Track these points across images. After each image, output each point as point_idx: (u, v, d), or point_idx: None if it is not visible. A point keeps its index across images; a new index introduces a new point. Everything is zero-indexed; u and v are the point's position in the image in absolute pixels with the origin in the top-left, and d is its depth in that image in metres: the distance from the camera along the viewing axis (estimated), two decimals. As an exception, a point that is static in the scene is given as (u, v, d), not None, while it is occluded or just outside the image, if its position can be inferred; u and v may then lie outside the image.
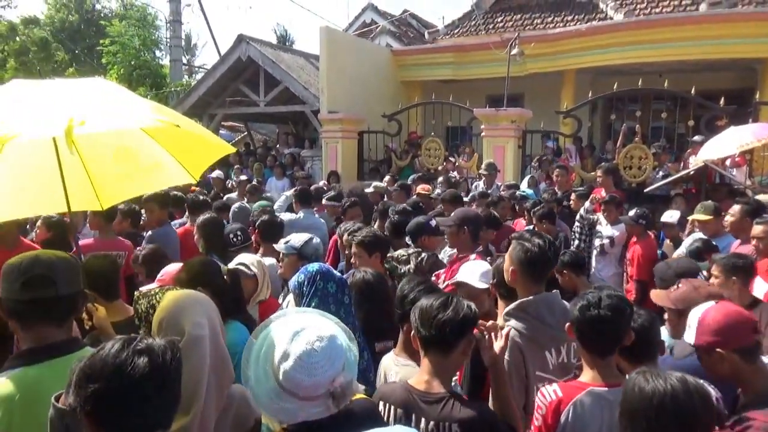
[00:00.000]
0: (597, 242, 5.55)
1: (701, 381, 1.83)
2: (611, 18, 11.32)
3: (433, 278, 3.52)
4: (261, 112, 12.81)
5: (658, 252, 5.26)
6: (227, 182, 9.54)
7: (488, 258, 4.23)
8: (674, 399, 1.49)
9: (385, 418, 1.81)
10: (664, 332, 2.55)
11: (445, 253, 4.31)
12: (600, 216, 5.59)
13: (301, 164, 11.42)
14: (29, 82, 2.62)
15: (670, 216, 5.34)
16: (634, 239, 5.22)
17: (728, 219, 4.31)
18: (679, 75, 9.61)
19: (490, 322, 2.03)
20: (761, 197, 5.07)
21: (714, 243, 4.16)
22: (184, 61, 22.85)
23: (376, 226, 4.76)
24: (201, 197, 5.43)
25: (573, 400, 1.92)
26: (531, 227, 5.28)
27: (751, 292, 3.46)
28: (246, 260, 3.22)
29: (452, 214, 4.15)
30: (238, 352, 1.74)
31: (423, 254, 3.81)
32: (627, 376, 1.67)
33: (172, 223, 5.07)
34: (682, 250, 4.37)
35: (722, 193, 6.23)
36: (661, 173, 7.44)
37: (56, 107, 2.21)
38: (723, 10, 9.85)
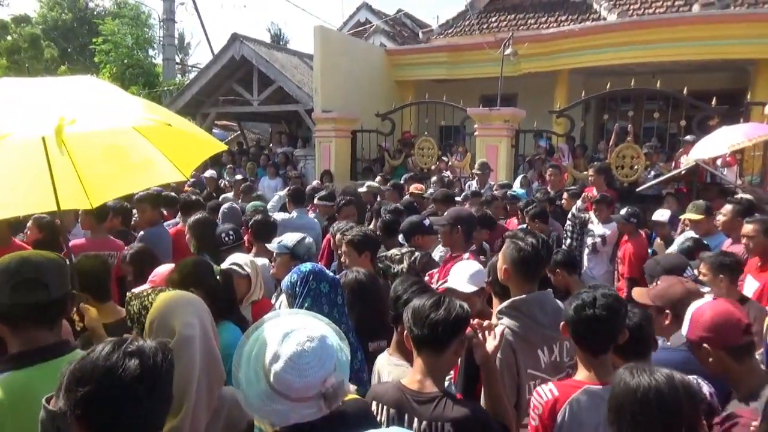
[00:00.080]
0: (589, 241, 5.58)
1: (691, 377, 1.87)
2: (604, 18, 11.36)
3: (427, 278, 3.52)
4: (254, 111, 12.77)
5: (649, 251, 5.30)
6: (220, 182, 9.51)
7: (482, 256, 4.25)
8: (658, 393, 1.51)
9: (378, 418, 1.81)
10: None
11: (438, 252, 4.32)
12: (591, 215, 5.62)
13: (294, 163, 11.39)
14: (20, 81, 2.60)
15: (661, 215, 5.39)
16: (626, 238, 5.26)
17: (720, 218, 4.35)
18: (672, 75, 9.66)
19: (486, 322, 2.04)
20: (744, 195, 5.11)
21: (705, 242, 4.19)
22: (178, 59, 22.73)
23: (371, 226, 4.76)
24: (194, 197, 5.40)
25: (569, 399, 1.93)
26: (524, 226, 5.30)
27: (741, 290, 3.50)
28: (239, 260, 3.21)
29: (445, 213, 4.16)
30: (232, 353, 1.74)
31: (416, 253, 3.81)
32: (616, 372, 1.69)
33: (165, 223, 5.04)
34: (673, 248, 4.40)
35: (713, 192, 6.29)
36: (652, 173, 7.48)
37: (47, 106, 2.19)
38: (715, 11, 9.91)
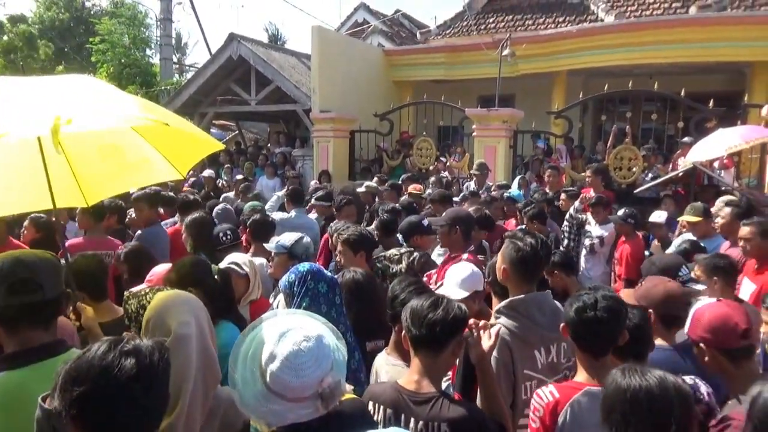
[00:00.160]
0: (586, 242, 5.59)
1: (688, 377, 1.87)
2: (602, 20, 11.39)
3: (425, 279, 3.52)
4: (252, 111, 12.76)
5: (646, 253, 5.30)
6: (218, 181, 9.50)
7: (482, 256, 4.25)
8: (649, 394, 1.52)
9: (375, 418, 1.81)
10: None
11: (437, 252, 4.32)
12: (589, 216, 5.63)
13: (292, 163, 11.38)
14: (15, 79, 2.59)
15: (658, 216, 5.40)
16: (623, 239, 5.27)
17: (718, 221, 4.36)
18: (669, 77, 9.68)
19: (482, 321, 2.04)
20: (726, 198, 5.12)
21: (702, 244, 4.19)
22: (175, 59, 22.70)
23: (372, 227, 4.76)
24: (191, 197, 5.39)
25: (570, 400, 1.93)
26: (522, 227, 5.30)
27: (738, 292, 3.51)
28: (238, 260, 3.20)
29: (444, 213, 4.16)
30: (230, 352, 1.73)
31: (415, 253, 3.81)
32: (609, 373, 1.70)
33: (162, 222, 5.03)
34: (671, 251, 4.41)
35: (710, 194, 6.30)
36: (650, 175, 7.50)
37: (43, 105, 2.17)
38: (712, 13, 9.94)
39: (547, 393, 1.98)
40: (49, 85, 2.44)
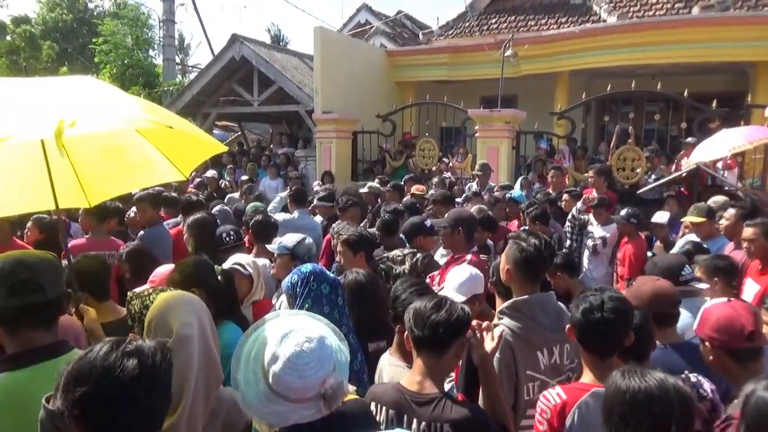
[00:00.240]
0: (589, 243, 5.57)
1: (691, 375, 1.87)
2: (604, 20, 11.37)
3: (428, 280, 3.51)
4: (255, 111, 12.76)
5: (649, 254, 5.29)
6: (220, 182, 9.51)
7: (486, 256, 4.24)
8: (648, 396, 1.51)
9: (377, 419, 1.80)
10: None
11: (439, 253, 4.32)
12: (591, 217, 5.61)
13: (295, 164, 11.39)
14: (18, 81, 2.59)
15: (660, 217, 5.39)
16: (626, 239, 5.25)
17: (723, 223, 4.35)
18: (672, 77, 9.66)
19: (485, 323, 2.03)
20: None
21: (705, 246, 4.18)
22: (178, 60, 22.74)
23: (372, 228, 4.76)
24: (194, 198, 5.40)
25: (578, 402, 1.92)
26: (525, 228, 5.29)
27: (742, 293, 3.49)
28: (242, 260, 3.21)
29: (446, 214, 4.16)
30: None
31: (418, 255, 3.81)
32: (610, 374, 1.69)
33: (164, 223, 5.03)
34: (674, 252, 4.40)
35: (713, 195, 6.27)
36: (653, 177, 7.47)
37: (46, 107, 2.18)
38: (715, 13, 9.91)
39: (554, 395, 1.97)
40: (52, 87, 2.45)
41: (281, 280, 2.86)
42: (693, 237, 4.58)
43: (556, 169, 7.22)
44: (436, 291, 2.93)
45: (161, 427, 1.25)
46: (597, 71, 10.50)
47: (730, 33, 9.08)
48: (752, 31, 8.94)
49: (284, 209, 5.90)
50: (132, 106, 2.45)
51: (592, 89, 9.42)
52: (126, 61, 17.62)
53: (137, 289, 2.11)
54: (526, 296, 2.33)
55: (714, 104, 7.44)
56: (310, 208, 6.12)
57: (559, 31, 11.29)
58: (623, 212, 5.26)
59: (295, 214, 5.48)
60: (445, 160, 9.44)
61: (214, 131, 14.16)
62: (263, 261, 3.78)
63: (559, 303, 2.43)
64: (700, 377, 2.01)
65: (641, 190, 7.07)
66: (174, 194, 5.91)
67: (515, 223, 5.84)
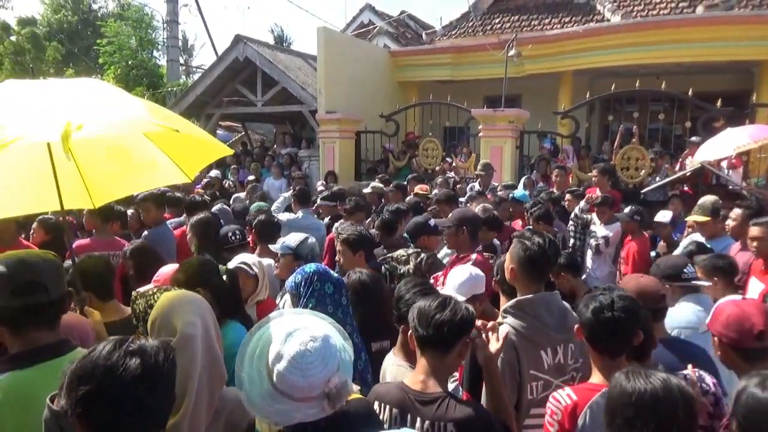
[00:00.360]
0: (592, 242, 5.56)
1: (691, 370, 1.86)
2: (608, 20, 11.33)
3: (432, 281, 3.51)
4: (258, 112, 12.79)
5: (652, 253, 5.27)
6: (224, 182, 9.52)
7: (491, 254, 4.23)
8: (653, 397, 1.51)
9: (381, 418, 1.80)
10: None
11: (443, 253, 4.31)
12: (594, 216, 5.60)
13: (299, 164, 11.40)
14: (24, 83, 2.60)
15: (663, 216, 5.37)
16: (629, 237, 5.24)
17: (730, 223, 4.32)
18: (676, 77, 9.62)
19: (490, 323, 2.03)
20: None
21: (709, 246, 4.16)
22: (181, 61, 22.81)
23: (373, 228, 4.77)
24: (198, 198, 5.41)
25: (589, 402, 1.91)
26: (529, 228, 5.28)
27: (746, 292, 3.48)
28: (247, 260, 3.21)
29: (450, 214, 4.15)
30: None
31: (422, 255, 3.81)
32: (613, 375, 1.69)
33: (168, 222, 5.04)
34: (677, 252, 4.38)
35: (718, 194, 6.23)
36: (657, 178, 7.44)
37: (53, 110, 2.18)
38: (720, 12, 9.87)
39: (564, 396, 1.96)
40: (59, 89, 2.46)
41: (285, 280, 2.86)
42: (697, 236, 4.56)
43: (560, 168, 7.20)
44: (441, 290, 2.93)
45: (164, 426, 1.25)
46: (601, 71, 10.47)
47: (734, 32, 9.04)
48: (756, 30, 8.90)
49: (288, 209, 5.91)
50: (139, 109, 2.45)
51: (595, 89, 9.39)
52: (130, 62, 17.72)
53: (141, 289, 2.11)
54: (530, 295, 2.32)
55: (718, 103, 7.41)
56: (313, 207, 6.13)
57: (562, 30, 11.26)
58: (627, 209, 5.26)
59: (299, 214, 5.49)
60: (449, 159, 9.42)
61: (217, 132, 14.19)
62: (269, 261, 3.78)
63: (564, 303, 2.42)
64: (701, 372, 2.03)
65: (645, 190, 7.04)
66: (179, 194, 5.92)
67: (519, 222, 5.83)
